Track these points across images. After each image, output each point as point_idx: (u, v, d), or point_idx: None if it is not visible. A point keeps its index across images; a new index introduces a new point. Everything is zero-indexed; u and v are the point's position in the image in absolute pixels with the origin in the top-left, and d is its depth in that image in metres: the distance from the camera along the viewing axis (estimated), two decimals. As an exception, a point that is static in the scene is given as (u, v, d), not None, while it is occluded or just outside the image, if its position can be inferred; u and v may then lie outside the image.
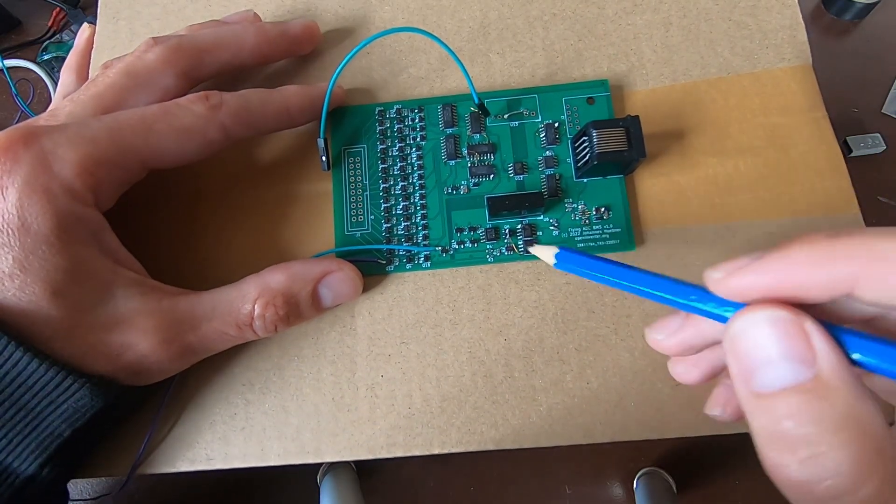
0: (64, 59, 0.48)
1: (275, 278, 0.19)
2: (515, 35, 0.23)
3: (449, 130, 0.22)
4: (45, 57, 0.49)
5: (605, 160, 0.20)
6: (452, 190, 0.21)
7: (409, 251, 0.21)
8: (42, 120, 0.18)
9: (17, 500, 0.16)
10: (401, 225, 0.21)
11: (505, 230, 0.21)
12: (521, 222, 0.21)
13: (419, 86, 0.23)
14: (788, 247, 0.11)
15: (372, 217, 0.21)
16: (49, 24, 0.49)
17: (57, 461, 0.17)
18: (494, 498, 0.71)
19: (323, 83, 0.21)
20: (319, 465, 0.68)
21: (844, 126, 0.49)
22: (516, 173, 0.21)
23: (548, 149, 0.22)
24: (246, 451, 0.20)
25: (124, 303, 0.17)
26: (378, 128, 0.22)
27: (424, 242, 0.21)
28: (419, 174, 0.22)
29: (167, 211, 0.22)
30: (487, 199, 0.21)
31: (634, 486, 0.70)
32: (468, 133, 0.22)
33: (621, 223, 0.21)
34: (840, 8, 0.51)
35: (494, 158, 0.22)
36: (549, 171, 0.21)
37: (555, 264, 0.17)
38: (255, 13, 0.23)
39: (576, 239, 0.21)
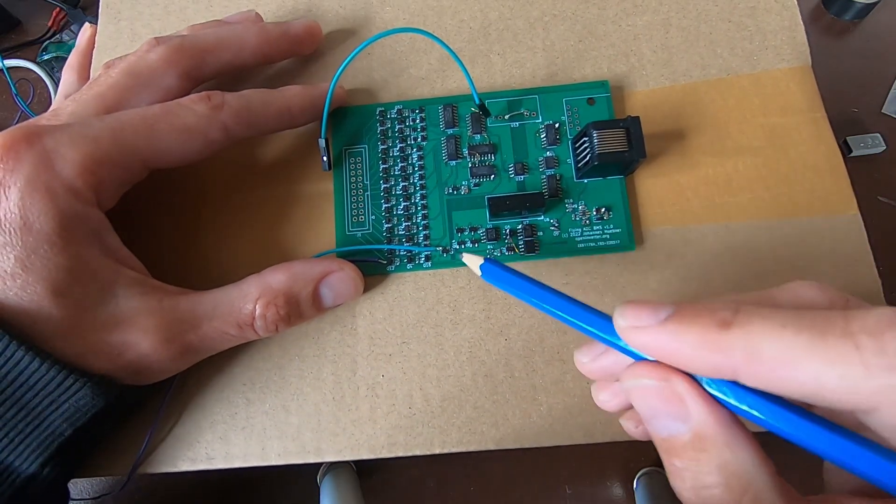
0: (64, 59, 0.48)
1: (276, 278, 0.19)
2: (516, 36, 0.23)
3: (450, 131, 0.22)
4: (45, 57, 0.49)
5: (606, 161, 0.20)
6: (453, 190, 0.22)
7: (410, 251, 0.21)
8: (44, 119, 0.18)
9: (18, 500, 0.17)
10: (402, 225, 0.21)
11: (506, 230, 0.21)
12: (521, 223, 0.21)
13: (420, 86, 0.23)
14: (685, 320, 0.12)
15: (373, 217, 0.21)
16: (49, 24, 0.50)
17: (58, 460, 0.17)
18: (495, 498, 0.71)
19: (324, 83, 0.21)
20: (319, 464, 0.68)
21: (844, 126, 0.50)
22: (517, 174, 0.22)
23: (548, 149, 0.22)
24: (247, 451, 0.20)
25: (125, 302, 0.17)
26: (379, 128, 0.22)
27: (425, 242, 0.21)
28: (420, 174, 0.22)
29: (168, 210, 0.22)
30: (488, 199, 0.21)
31: (634, 486, 0.70)
32: (469, 133, 0.22)
33: (621, 223, 0.21)
34: (840, 8, 0.51)
35: (495, 159, 0.22)
36: (549, 172, 0.21)
37: (481, 275, 0.17)
38: (256, 13, 0.23)
39: (576, 239, 0.21)
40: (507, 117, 0.22)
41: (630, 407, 0.17)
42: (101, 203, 0.17)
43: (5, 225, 0.15)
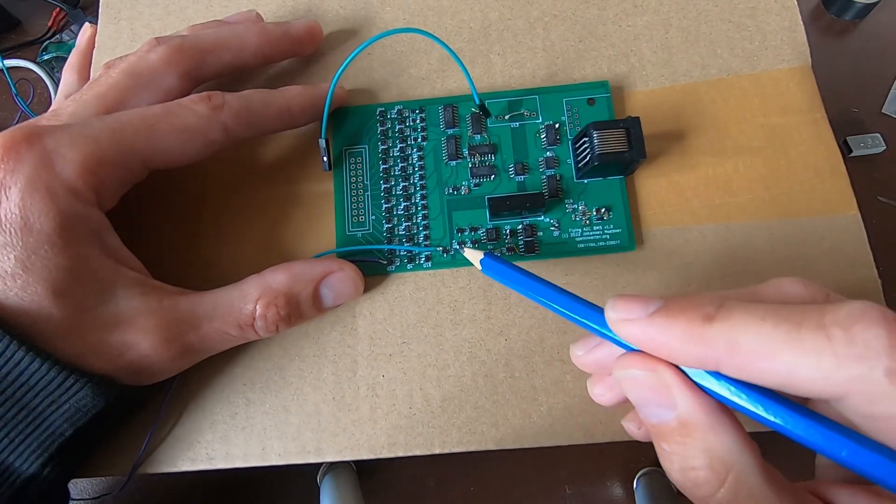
0: (64, 59, 0.48)
1: (276, 278, 0.19)
2: (516, 36, 0.23)
3: (450, 131, 0.22)
4: (45, 57, 0.49)
5: (606, 161, 0.20)
6: (453, 190, 0.22)
7: (410, 251, 0.21)
8: (44, 119, 0.18)
9: (19, 500, 0.17)
10: (402, 225, 0.21)
11: (506, 231, 0.21)
12: (521, 223, 0.21)
13: (420, 86, 0.23)
14: (672, 314, 0.13)
15: (373, 217, 0.21)
16: (49, 24, 0.50)
17: (58, 460, 0.17)
18: (495, 498, 0.71)
19: (324, 84, 0.21)
20: (320, 464, 0.68)
21: (844, 126, 0.50)
22: (517, 174, 0.22)
23: (548, 149, 0.22)
24: (247, 451, 0.20)
25: (126, 302, 0.17)
26: (379, 128, 0.22)
27: (425, 243, 0.21)
28: (420, 175, 0.22)
29: (169, 211, 0.22)
30: (488, 199, 0.21)
31: (634, 486, 0.70)
32: (469, 134, 0.22)
33: (622, 224, 0.21)
34: (840, 8, 0.51)
35: (495, 159, 0.22)
36: (549, 172, 0.21)
37: (482, 270, 0.18)
38: (257, 13, 0.23)
39: (576, 239, 0.21)
40: (507, 117, 0.22)
41: (624, 401, 0.17)
42: (102, 203, 0.17)
43: (6, 225, 0.15)
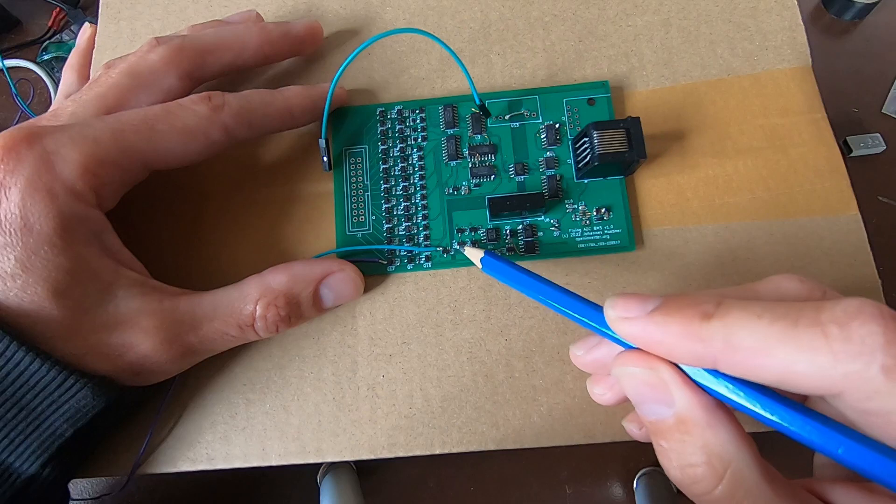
0: (64, 59, 0.48)
1: (276, 279, 0.19)
2: (516, 36, 0.23)
3: (450, 131, 0.22)
4: (45, 57, 0.49)
5: (606, 161, 0.20)
6: (453, 190, 0.22)
7: (411, 251, 0.21)
8: (44, 120, 0.18)
9: (19, 500, 0.17)
10: (402, 225, 0.21)
11: (506, 231, 0.21)
12: (521, 223, 0.21)
13: (420, 86, 0.23)
14: (670, 311, 0.13)
15: (373, 217, 0.21)
16: (49, 24, 0.49)
17: (58, 461, 0.17)
18: (494, 498, 0.71)
19: (325, 84, 0.21)
20: (320, 464, 0.68)
21: (844, 126, 0.50)
22: (517, 174, 0.22)
23: (548, 150, 0.22)
24: (247, 451, 0.20)
25: (126, 303, 0.17)
26: (379, 128, 0.22)
27: (426, 243, 0.21)
28: (420, 175, 0.22)
29: (169, 211, 0.22)
30: (488, 199, 0.21)
31: (634, 486, 0.70)
32: (469, 134, 0.22)
33: (622, 224, 0.21)
34: (840, 8, 0.51)
35: (495, 159, 0.22)
36: (549, 172, 0.21)
37: (482, 268, 0.18)
38: (257, 13, 0.23)
39: (576, 240, 0.21)
40: (507, 118, 0.22)
41: (624, 400, 0.17)
42: (102, 204, 0.17)
43: (6, 226, 0.15)
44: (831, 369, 0.11)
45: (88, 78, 0.24)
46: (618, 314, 0.14)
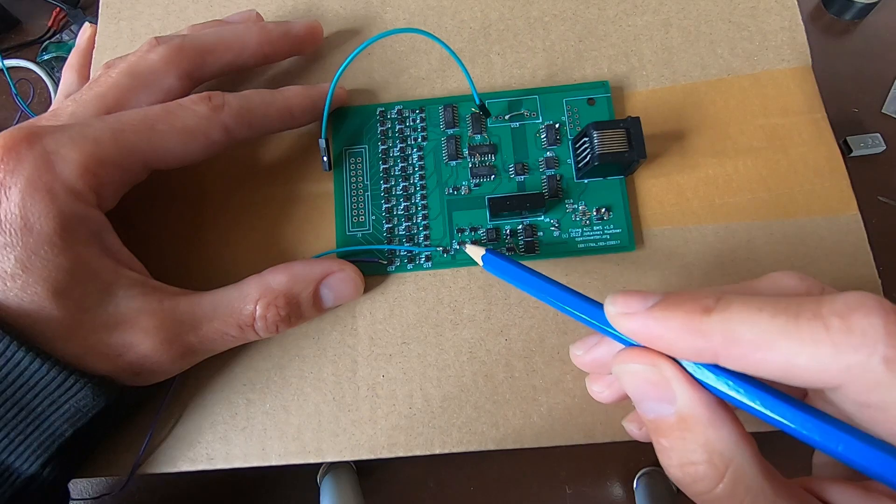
0: (64, 59, 0.48)
1: (276, 279, 0.19)
2: (516, 36, 0.23)
3: (450, 131, 0.22)
4: (45, 57, 0.49)
5: (606, 161, 0.20)
6: (453, 190, 0.22)
7: (410, 251, 0.21)
8: (44, 120, 0.18)
9: (19, 500, 0.17)
10: (402, 225, 0.21)
11: (506, 231, 0.21)
12: (521, 223, 0.21)
13: (420, 86, 0.23)
14: (671, 307, 0.13)
15: (373, 217, 0.21)
16: (49, 23, 0.50)
17: (58, 461, 0.17)
18: (494, 498, 0.71)
19: (325, 84, 0.21)
20: (320, 464, 0.68)
21: (844, 126, 0.50)
22: (517, 174, 0.22)
23: (548, 149, 0.22)
24: (247, 451, 0.20)
25: (126, 303, 0.17)
26: (379, 128, 0.22)
27: (426, 243, 0.21)
28: (420, 175, 0.22)
29: (169, 211, 0.22)
30: (488, 199, 0.21)
31: (634, 486, 0.70)
32: (469, 134, 0.22)
33: (622, 224, 0.21)
34: (840, 8, 0.51)
35: (495, 159, 0.22)
36: (549, 172, 0.21)
37: (483, 265, 0.18)
38: (257, 13, 0.23)
39: (576, 240, 0.21)
40: (507, 117, 0.22)
41: (623, 398, 0.17)
42: (102, 204, 0.17)
43: (6, 226, 0.15)
44: (833, 361, 0.11)
45: (88, 78, 0.24)
46: (618, 310, 0.14)
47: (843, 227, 0.21)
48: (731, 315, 0.12)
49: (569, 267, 0.21)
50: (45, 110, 0.19)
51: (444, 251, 0.21)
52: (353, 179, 0.22)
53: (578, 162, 0.21)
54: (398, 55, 0.24)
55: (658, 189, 0.22)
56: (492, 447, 0.20)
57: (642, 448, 0.73)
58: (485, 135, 0.22)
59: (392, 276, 0.21)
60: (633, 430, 0.18)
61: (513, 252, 0.21)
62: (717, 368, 0.13)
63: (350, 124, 0.22)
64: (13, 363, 0.15)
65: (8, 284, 0.15)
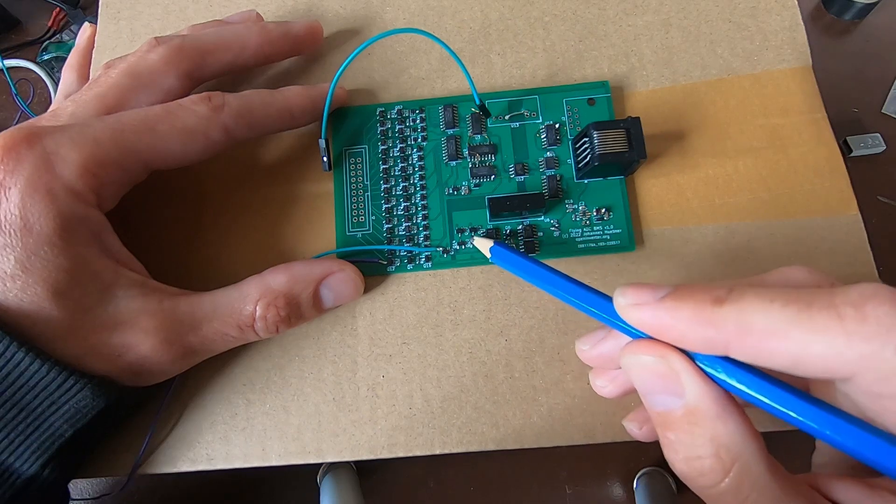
0: (64, 59, 0.48)
1: (276, 279, 0.19)
2: (516, 36, 0.23)
3: (450, 131, 0.22)
4: (45, 57, 0.49)
5: (606, 161, 0.20)
6: (453, 191, 0.22)
7: (410, 252, 0.21)
8: (44, 120, 0.18)
9: (19, 500, 0.17)
10: (402, 225, 0.21)
11: (506, 231, 0.21)
12: (521, 223, 0.21)
13: (420, 86, 0.23)
14: (682, 297, 0.13)
15: (373, 217, 0.21)
16: (49, 23, 0.50)
17: (58, 461, 0.17)
18: (494, 498, 0.71)
19: (324, 84, 0.21)
20: (319, 464, 0.68)
21: (844, 126, 0.50)
22: (517, 174, 0.22)
23: (548, 150, 0.22)
24: (247, 451, 0.20)
25: (125, 303, 0.17)
26: (379, 128, 0.22)
27: (426, 243, 0.21)
28: (420, 175, 0.22)
29: (169, 211, 0.22)
30: (488, 199, 0.21)
31: (634, 486, 0.70)
32: (469, 134, 0.22)
33: (622, 224, 0.21)
34: (840, 8, 0.51)
35: (495, 159, 0.22)
36: (549, 172, 0.21)
37: (490, 258, 0.18)
38: (257, 13, 0.23)
39: (577, 240, 0.21)
40: (507, 118, 0.22)
41: (625, 393, 0.17)
42: (102, 204, 0.17)
43: (5, 226, 0.15)
44: (846, 350, 0.11)
45: (88, 78, 0.24)
46: (628, 301, 0.14)
47: (843, 227, 0.21)
48: (743, 305, 0.12)
49: (569, 267, 0.21)
50: (45, 110, 0.19)
51: (444, 251, 0.21)
52: (353, 179, 0.22)
53: (578, 162, 0.21)
54: (398, 55, 0.24)
55: (658, 189, 0.22)
56: (492, 447, 0.20)
57: (642, 448, 0.73)
58: (485, 135, 0.22)
59: (392, 277, 0.21)
60: (633, 429, 0.18)
61: (513, 252, 0.21)
62: (726, 361, 0.13)
63: (350, 124, 0.22)
64: (13, 364, 0.15)
65: (8, 285, 0.15)
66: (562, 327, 0.20)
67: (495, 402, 0.20)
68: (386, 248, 0.21)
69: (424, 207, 0.21)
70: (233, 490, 0.68)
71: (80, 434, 0.17)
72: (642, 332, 0.14)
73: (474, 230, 0.21)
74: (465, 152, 0.22)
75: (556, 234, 0.21)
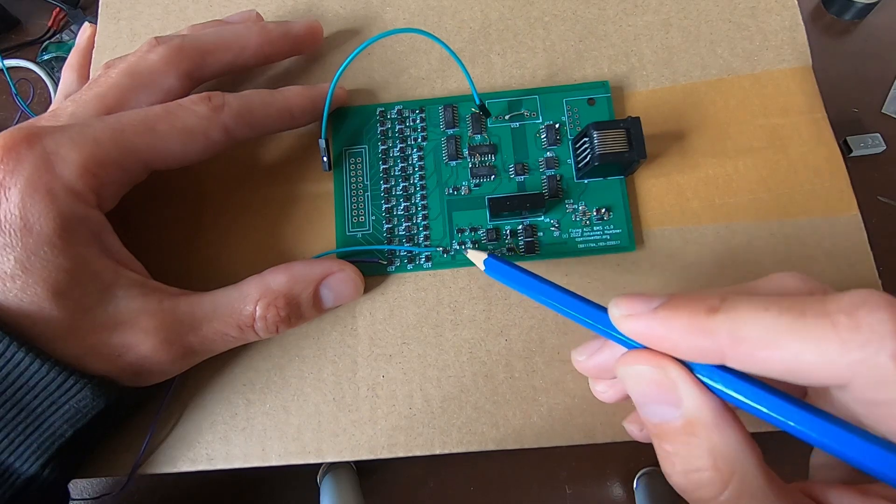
0: (64, 58, 0.48)
1: (276, 279, 0.19)
2: (516, 36, 0.23)
3: (450, 131, 0.22)
4: (45, 57, 0.49)
5: (606, 161, 0.20)
6: (453, 191, 0.22)
7: (410, 252, 0.21)
8: (44, 120, 0.18)
9: (19, 501, 0.17)
10: (402, 225, 0.21)
11: (506, 231, 0.21)
12: (521, 223, 0.21)
13: (420, 86, 0.23)
14: (676, 307, 0.13)
15: (373, 217, 0.21)
16: (49, 23, 0.49)
17: (58, 461, 0.17)
18: (494, 498, 0.71)
19: (324, 84, 0.21)
20: (319, 464, 0.68)
21: (844, 126, 0.49)
22: (517, 174, 0.22)
23: (548, 150, 0.22)
24: (247, 451, 0.20)
25: (125, 303, 0.17)
26: (379, 128, 0.22)
27: (426, 243, 0.21)
28: (420, 175, 0.22)
29: (169, 212, 0.22)
30: (488, 199, 0.21)
31: (634, 486, 0.70)
32: (469, 134, 0.22)
33: (622, 224, 0.21)
34: (840, 8, 0.51)
35: (495, 159, 0.22)
36: (549, 172, 0.21)
37: (485, 270, 0.18)
38: (257, 13, 0.23)
39: (577, 240, 0.21)
40: (507, 118, 0.22)
41: (626, 398, 0.17)
42: (102, 204, 0.17)
43: (5, 226, 0.15)
44: (840, 358, 0.11)
45: (88, 78, 0.24)
46: (622, 312, 0.14)
47: (843, 227, 0.21)
48: (737, 314, 0.12)
49: (569, 267, 0.21)
50: (45, 110, 0.19)
51: (444, 251, 0.21)
52: (353, 179, 0.22)
53: (578, 162, 0.21)
54: (398, 55, 0.24)
55: (658, 189, 0.22)
56: (492, 447, 0.20)
57: (642, 448, 0.73)
58: (485, 135, 0.22)
59: (392, 277, 0.21)
60: (633, 431, 0.18)
61: (513, 252, 0.21)
62: (721, 371, 0.13)
63: (350, 124, 0.22)
64: (13, 364, 0.15)
65: (8, 285, 0.15)
66: (562, 327, 0.20)
67: (495, 402, 0.20)
68: (386, 248, 0.21)
69: (424, 207, 0.21)
70: (233, 490, 0.68)
71: (80, 434, 0.17)
72: (638, 343, 0.14)
73: (474, 230, 0.21)
74: (465, 152, 0.22)
75: (556, 234, 0.21)
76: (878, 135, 0.49)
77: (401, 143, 0.22)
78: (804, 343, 0.11)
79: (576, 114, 0.22)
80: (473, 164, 0.22)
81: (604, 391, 0.18)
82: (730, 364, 0.12)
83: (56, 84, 0.48)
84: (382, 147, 0.22)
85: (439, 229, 0.21)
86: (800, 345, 0.11)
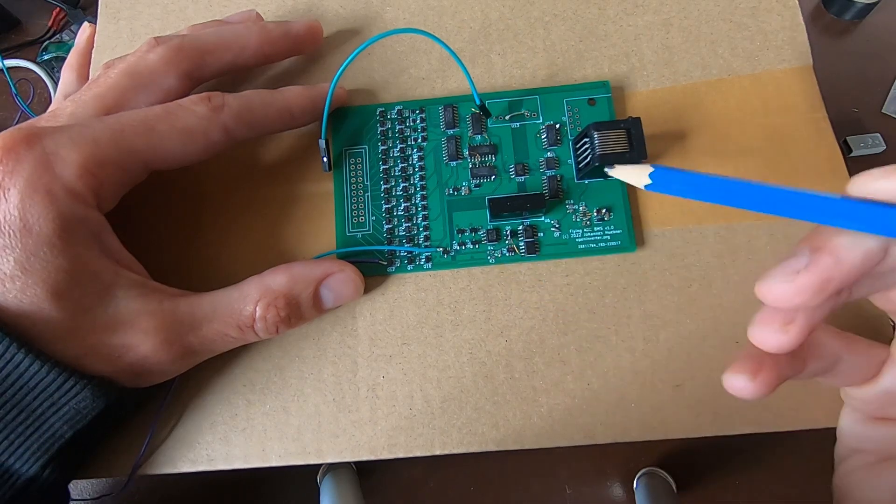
0: (64, 58, 0.48)
1: (276, 280, 0.19)
2: (516, 36, 0.23)
3: (450, 131, 0.22)
4: (45, 57, 0.49)
5: (607, 161, 0.19)
6: (454, 191, 0.21)
7: (411, 252, 0.21)
8: (43, 120, 0.18)
9: (19, 501, 0.16)
10: (402, 226, 0.21)
11: (506, 231, 0.21)
12: (522, 223, 0.21)
13: (420, 86, 0.23)
14: None
15: (373, 218, 0.21)
16: (49, 23, 0.49)
17: (58, 462, 0.17)
18: (494, 498, 0.71)
19: (324, 84, 0.21)
20: (320, 465, 0.68)
21: (844, 126, 0.49)
22: (517, 174, 0.21)
23: (549, 150, 0.22)
24: (247, 452, 0.20)
25: (125, 304, 0.17)
26: (379, 128, 0.22)
27: (426, 244, 0.21)
28: (420, 175, 0.22)
29: (168, 212, 0.22)
30: (489, 200, 0.21)
31: (634, 486, 0.70)
32: (469, 134, 0.22)
33: (622, 224, 0.21)
34: (840, 8, 0.51)
35: (496, 159, 0.22)
36: (550, 173, 0.21)
37: (647, 186, 0.15)
38: (257, 13, 0.23)
39: (577, 240, 0.21)
40: (507, 118, 0.22)
41: (805, 335, 0.13)
42: (101, 205, 0.17)
43: (5, 227, 0.15)
44: None
45: (88, 78, 0.24)
46: (877, 176, 0.11)
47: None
48: None
49: (569, 268, 0.21)
50: (45, 110, 0.19)
51: (444, 252, 0.21)
52: (353, 180, 0.22)
53: (579, 162, 0.21)
54: (398, 55, 0.24)
55: (658, 189, 0.22)
56: (492, 448, 0.20)
57: (642, 448, 0.73)
58: (485, 135, 0.22)
59: (392, 277, 0.21)
60: (739, 382, 0.13)
61: (513, 253, 0.21)
62: None
63: (350, 124, 0.22)
64: (13, 365, 0.15)
65: (7, 286, 0.15)
66: (562, 328, 0.20)
67: (495, 402, 0.20)
68: (386, 248, 0.21)
69: (424, 208, 0.21)
70: (233, 490, 0.68)
71: (80, 435, 0.17)
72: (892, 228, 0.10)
73: (474, 230, 0.21)
74: (466, 152, 0.22)
75: (557, 234, 0.21)
76: (879, 135, 0.49)
77: (401, 144, 0.22)
78: None
79: (576, 114, 0.22)
80: (474, 164, 0.22)
81: (774, 333, 0.13)
82: None
83: (56, 84, 0.48)
84: (382, 147, 0.22)
85: (439, 230, 0.21)
86: None
